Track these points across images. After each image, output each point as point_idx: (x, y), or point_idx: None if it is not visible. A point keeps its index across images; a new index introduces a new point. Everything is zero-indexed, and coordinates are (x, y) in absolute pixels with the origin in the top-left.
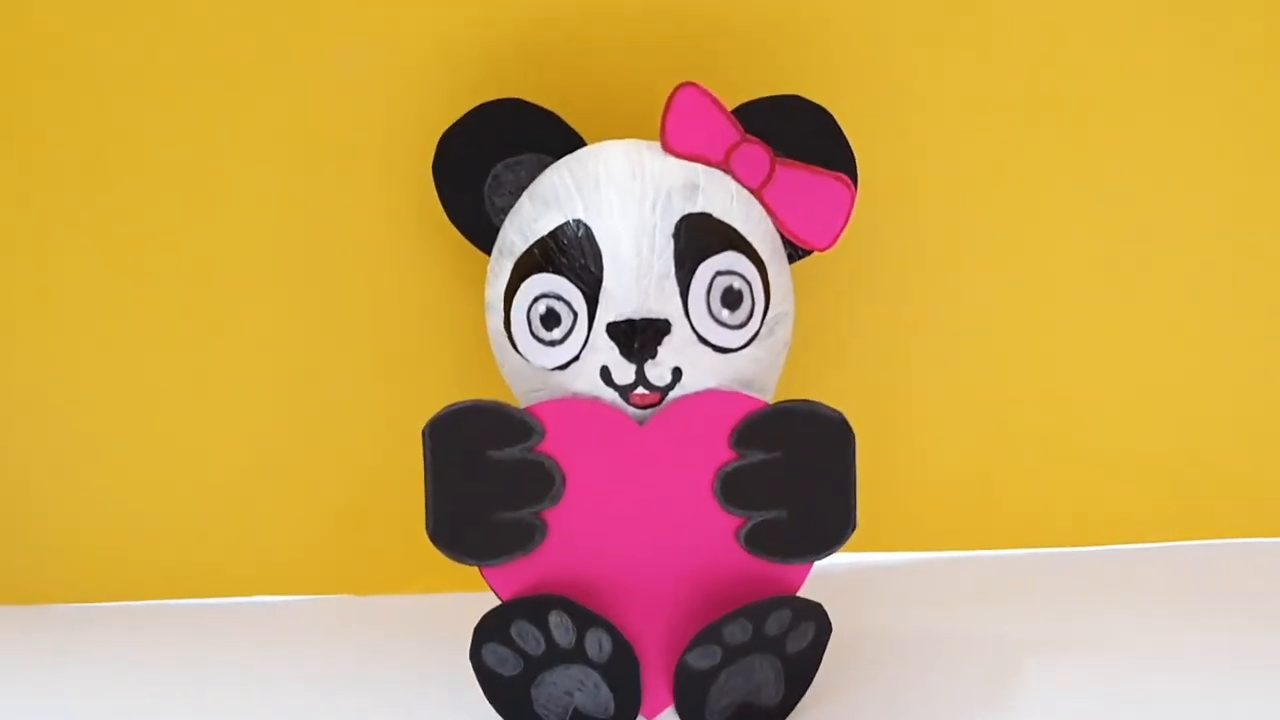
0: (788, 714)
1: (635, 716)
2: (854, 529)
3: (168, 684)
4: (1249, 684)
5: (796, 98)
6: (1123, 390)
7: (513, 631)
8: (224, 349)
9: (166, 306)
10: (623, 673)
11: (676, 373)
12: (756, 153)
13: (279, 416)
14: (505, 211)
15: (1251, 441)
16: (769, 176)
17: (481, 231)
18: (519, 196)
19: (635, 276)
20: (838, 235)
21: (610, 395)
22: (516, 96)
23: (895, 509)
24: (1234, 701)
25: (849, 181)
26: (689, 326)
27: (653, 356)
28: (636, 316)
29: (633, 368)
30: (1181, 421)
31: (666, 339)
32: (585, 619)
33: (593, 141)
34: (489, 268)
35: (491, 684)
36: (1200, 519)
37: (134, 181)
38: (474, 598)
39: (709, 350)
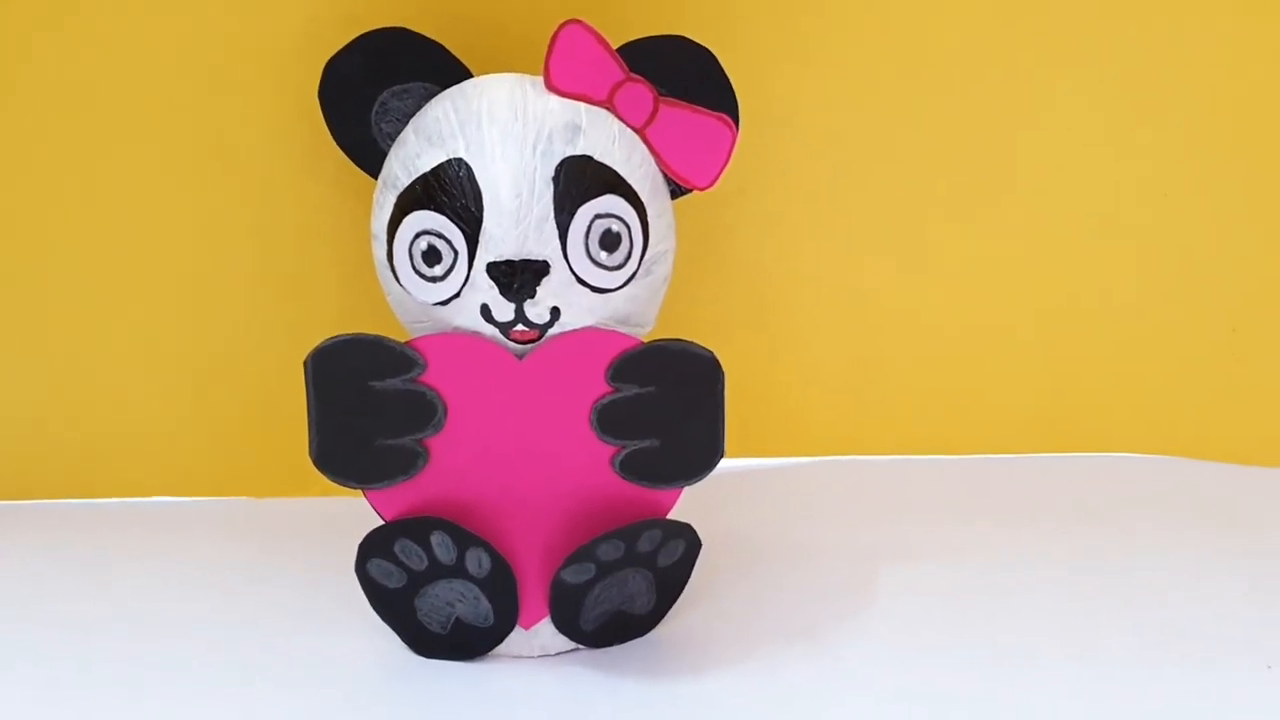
0: (658, 621)
1: (513, 626)
2: (721, 458)
3: (64, 583)
4: (1092, 590)
5: (680, 38)
6: (987, 307)
7: (396, 549)
8: (124, 257)
9: (65, 223)
10: (501, 587)
11: (555, 312)
12: (640, 92)
13: (180, 325)
14: (393, 138)
15: (1110, 358)
16: (652, 116)
17: (369, 157)
18: (406, 124)
19: (515, 219)
20: (718, 174)
21: (491, 331)
22: (402, 26)
23: (776, 416)
24: (1078, 608)
25: (730, 122)
26: (567, 268)
27: (531, 296)
28: (516, 258)
29: (512, 307)
30: (1044, 337)
31: (545, 280)
32: (465, 539)
33: (479, 72)
34: (374, 198)
35: (377, 595)
36: (1059, 432)
37: (26, 99)
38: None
39: (587, 291)
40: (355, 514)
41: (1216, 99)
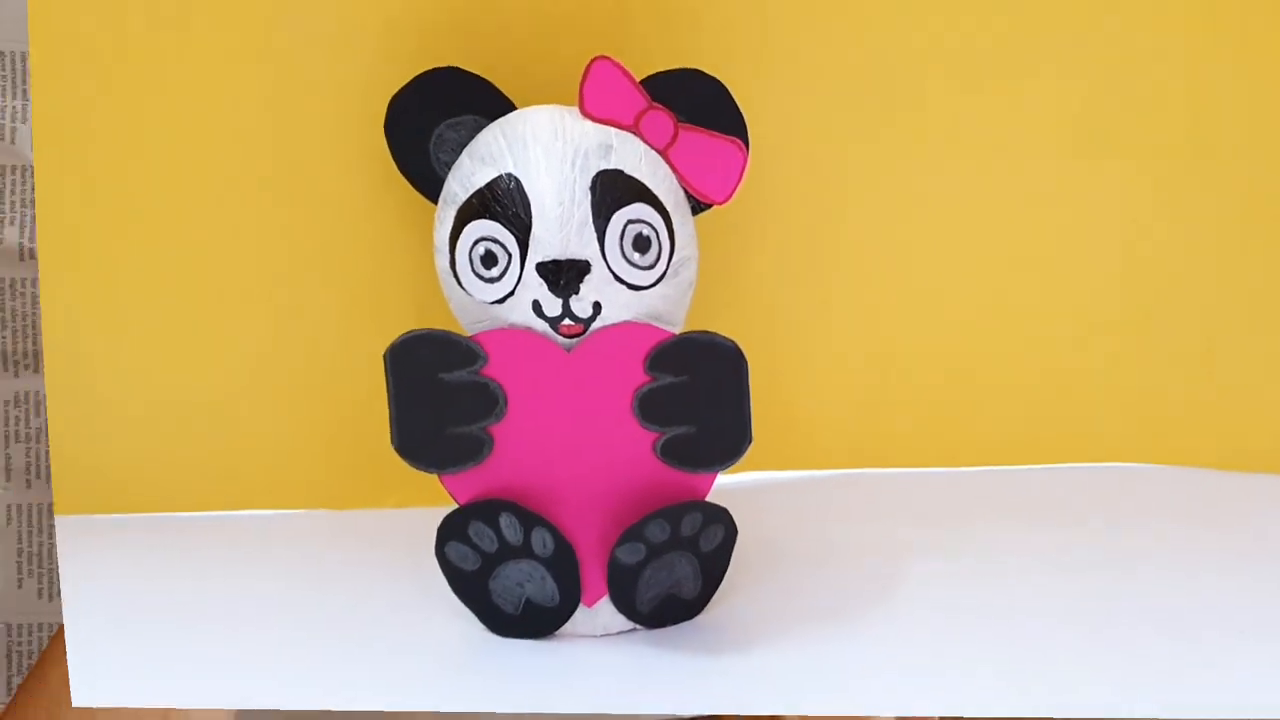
0: (704, 606)
1: (577, 605)
2: (750, 443)
3: (158, 593)
4: (1107, 587)
5: (695, 71)
6: (1000, 323)
7: (470, 531)
8: (215, 289)
9: (162, 264)
10: (564, 566)
11: (596, 306)
12: (662, 118)
13: (265, 349)
14: (449, 166)
15: (1102, 371)
16: (673, 139)
17: (430, 185)
18: (460, 153)
19: (559, 223)
20: (733, 191)
21: (542, 326)
22: (454, 65)
23: (791, 431)
24: (1092, 601)
25: (742, 144)
26: (606, 266)
27: (576, 292)
28: (561, 257)
29: (559, 302)
30: (1056, 350)
31: (587, 277)
32: (530, 519)
33: (522, 105)
34: (436, 215)
35: (456, 578)
36: (1066, 444)
37: (133, 153)
38: (438, 511)
39: (624, 288)
40: (427, 522)
41: (1200, 113)
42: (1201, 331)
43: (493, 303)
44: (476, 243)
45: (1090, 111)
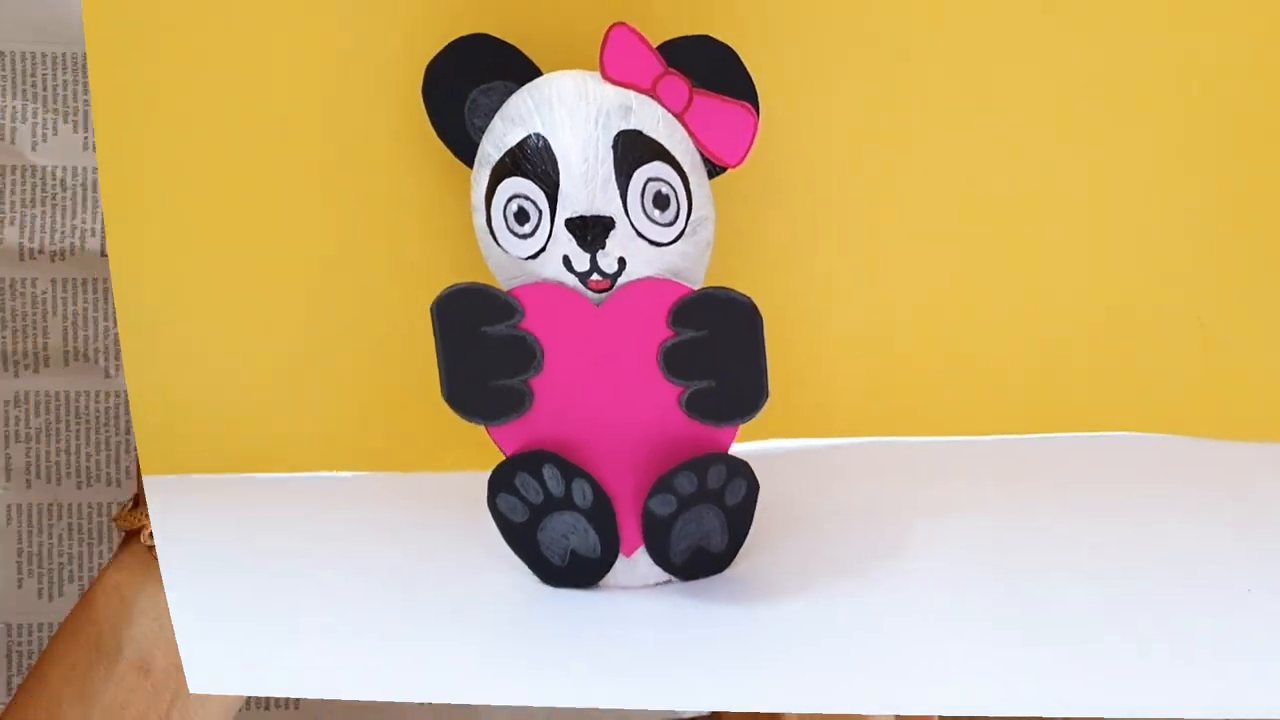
0: (731, 560)
1: (617, 555)
2: (767, 397)
3: (232, 553)
4: (1115, 546)
5: (707, 38)
6: (1010, 292)
7: (517, 482)
8: (277, 257)
9: (227, 232)
10: (603, 518)
11: (621, 262)
12: (677, 83)
13: (323, 316)
14: (482, 130)
15: (1103, 344)
16: (688, 103)
17: (465, 148)
18: (492, 118)
19: (584, 180)
20: (745, 154)
21: (572, 281)
22: (485, 33)
23: (805, 401)
24: (1091, 561)
25: (752, 108)
26: (629, 223)
27: (602, 247)
28: (588, 213)
29: (587, 256)
30: (1064, 321)
31: (612, 233)
32: (570, 470)
33: (548, 71)
34: (472, 176)
35: (508, 530)
36: (1074, 412)
37: (188, 134)
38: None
39: (646, 244)
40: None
41: (1196, 102)
42: (1200, 302)
43: (527, 258)
44: (510, 200)
45: (1095, 88)
